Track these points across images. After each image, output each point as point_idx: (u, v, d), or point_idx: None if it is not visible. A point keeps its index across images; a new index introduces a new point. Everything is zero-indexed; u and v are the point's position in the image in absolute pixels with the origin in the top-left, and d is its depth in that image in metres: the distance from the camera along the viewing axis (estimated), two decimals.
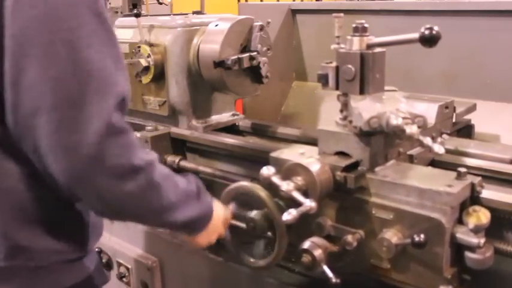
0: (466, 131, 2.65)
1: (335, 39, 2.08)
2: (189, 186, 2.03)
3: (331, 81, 2.08)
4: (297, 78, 4.26)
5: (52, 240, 1.89)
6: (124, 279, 3.40)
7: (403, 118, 1.89)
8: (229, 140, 3.01)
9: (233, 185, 2.34)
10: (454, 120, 2.40)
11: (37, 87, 1.60)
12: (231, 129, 3.30)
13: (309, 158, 2.09)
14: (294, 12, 4.17)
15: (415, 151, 2.25)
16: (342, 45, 2.06)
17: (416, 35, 1.81)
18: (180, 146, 3.20)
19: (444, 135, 2.28)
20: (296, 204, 1.97)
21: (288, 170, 2.07)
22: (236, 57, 2.98)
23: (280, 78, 4.09)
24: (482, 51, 3.27)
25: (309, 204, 1.94)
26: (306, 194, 2.00)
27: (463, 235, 1.91)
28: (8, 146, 1.74)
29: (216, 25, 3.05)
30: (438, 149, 1.85)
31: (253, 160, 2.78)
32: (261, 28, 3.07)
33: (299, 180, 2.02)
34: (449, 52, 3.22)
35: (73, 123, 1.60)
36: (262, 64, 3.09)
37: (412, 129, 1.87)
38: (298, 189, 2.00)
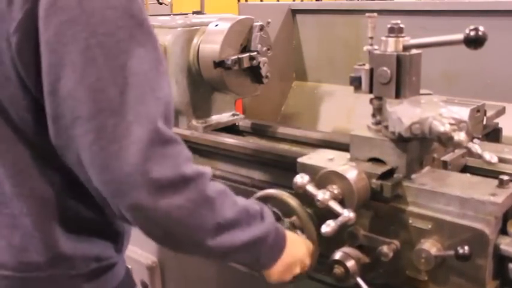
0: (494, 134, 2.45)
1: (368, 40, 1.86)
2: (251, 205, 1.75)
3: (365, 84, 1.84)
4: (297, 78, 4.09)
5: (92, 247, 1.74)
6: None
7: (450, 124, 1.65)
8: (229, 140, 2.86)
9: (260, 192, 2.07)
10: (484, 123, 2.19)
11: (75, 96, 1.42)
12: (231, 129, 3.16)
13: (343, 165, 1.83)
14: (294, 12, 4.00)
15: (448, 157, 2.01)
16: (376, 47, 1.83)
17: (460, 36, 1.60)
18: None
19: (475, 140, 2.06)
20: (330, 213, 1.73)
21: (322, 178, 1.81)
22: (236, 57, 2.85)
23: (280, 78, 3.93)
24: (482, 51, 3.03)
25: (347, 214, 1.69)
26: (342, 202, 1.76)
27: (507, 246, 1.69)
28: (48, 155, 1.58)
29: (216, 25, 2.92)
30: (490, 157, 1.62)
31: (253, 160, 2.67)
32: (261, 28, 2.94)
33: (335, 188, 1.77)
34: (450, 52, 3.03)
35: (113, 132, 1.40)
36: (262, 64, 2.95)
37: (460, 136, 1.62)
38: (335, 198, 1.75)
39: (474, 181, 1.82)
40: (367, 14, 1.88)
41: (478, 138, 2.05)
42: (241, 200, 1.71)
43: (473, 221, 1.68)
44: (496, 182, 1.74)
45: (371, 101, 1.86)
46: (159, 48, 1.54)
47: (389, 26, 1.79)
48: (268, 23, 2.98)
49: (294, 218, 1.97)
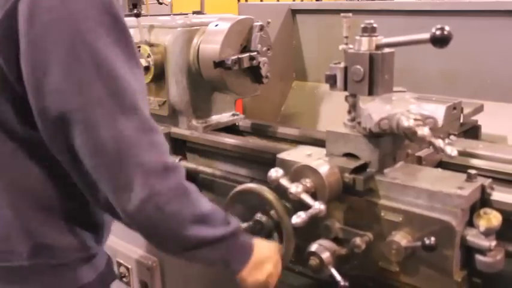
0: (473, 132, 2.61)
1: (343, 40, 2.03)
2: (218, 209, 1.95)
3: (340, 82, 2.02)
4: (297, 78, 4.23)
5: (73, 237, 1.91)
6: (124, 279, 3.39)
7: (415, 120, 1.83)
8: (229, 140, 2.98)
9: (240, 187, 2.28)
10: (461, 121, 2.35)
11: (62, 90, 1.60)
12: (231, 129, 3.28)
13: (317, 159, 2.03)
14: (294, 12, 4.15)
15: (423, 152, 2.20)
16: (351, 46, 2.01)
17: (427, 36, 1.76)
18: (180, 146, 3.17)
19: (452, 137, 2.23)
20: (304, 206, 1.91)
21: (296, 172, 2.02)
22: (236, 57, 2.95)
23: (280, 78, 4.07)
24: (482, 51, 3.24)
25: (318, 206, 1.88)
26: (314, 196, 1.95)
27: (474, 238, 1.86)
28: (29, 147, 1.77)
29: (216, 25, 3.03)
30: (451, 151, 1.79)
31: (253, 160, 2.78)
32: (261, 28, 3.05)
33: (308, 182, 1.97)
34: (449, 52, 3.17)
35: (101, 121, 1.61)
36: (262, 64, 3.06)
37: (423, 131, 1.81)
38: (307, 191, 1.94)
39: (444, 175, 2.00)
40: (342, 14, 2.05)
41: (455, 135, 2.22)
42: (212, 204, 1.91)
43: (441, 213, 1.86)
44: (465, 176, 1.92)
45: (346, 98, 2.05)
46: (133, 43, 1.75)
47: (362, 25, 1.96)
48: (268, 23, 3.09)
49: (272, 212, 2.16)
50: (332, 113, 3.57)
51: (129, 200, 1.67)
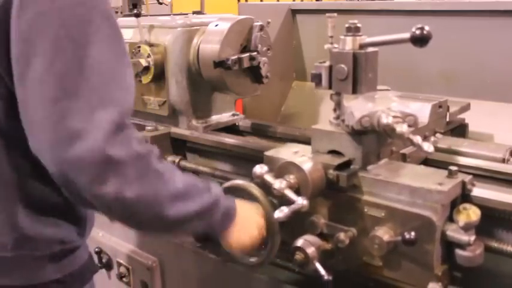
0: (460, 130, 2.71)
1: (328, 39, 2.15)
2: (198, 179, 2.06)
3: (324, 80, 2.14)
4: (297, 78, 4.32)
5: (55, 230, 2.00)
6: (124, 279, 3.44)
7: (394, 117, 1.95)
8: (229, 140, 3.07)
9: (227, 183, 2.40)
10: (447, 119, 2.46)
11: (43, 81, 1.68)
12: (231, 129, 3.36)
13: (301, 156, 2.15)
14: (294, 12, 4.24)
15: (407, 150, 2.31)
16: (336, 45, 2.12)
17: (407, 35, 1.86)
18: (180, 146, 3.26)
19: (438, 134, 2.34)
20: (289, 202, 2.03)
21: (281, 169, 2.14)
22: (236, 57, 3.04)
23: (280, 78, 4.16)
24: (482, 51, 3.32)
25: (300, 202, 2.00)
26: (298, 192, 2.07)
27: (453, 233, 1.97)
28: (15, 141, 1.84)
29: (216, 25, 3.11)
30: (427, 147, 1.90)
31: (253, 160, 2.74)
32: (261, 28, 3.13)
33: (292, 178, 2.09)
34: (449, 52, 3.29)
35: (78, 114, 1.67)
36: (262, 64, 3.15)
37: (402, 128, 1.93)
38: (291, 187, 2.07)
39: (426, 172, 2.12)
40: (327, 14, 2.15)
41: (441, 133, 2.34)
42: (189, 176, 2.03)
43: (422, 208, 1.98)
44: (446, 172, 2.04)
45: (331, 96, 2.17)
46: (123, 42, 1.85)
47: (347, 25, 2.08)
48: (268, 23, 3.18)
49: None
50: (332, 113, 3.63)
51: (104, 197, 1.75)
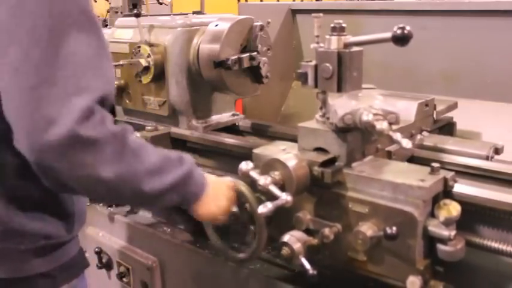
0: (447, 128, 2.81)
1: (314, 39, 2.27)
2: (170, 152, 2.18)
3: (310, 79, 2.26)
4: (297, 78, 4.28)
5: (42, 225, 2.11)
6: (124, 279, 3.51)
7: (374, 114, 2.07)
8: (229, 140, 3.16)
9: None
10: (435, 117, 2.56)
11: (19, 70, 1.75)
12: (231, 129, 3.45)
13: (287, 153, 2.27)
14: (294, 12, 4.34)
15: (393, 147, 2.42)
16: (321, 45, 2.24)
17: (389, 34, 1.97)
18: (180, 146, 3.35)
19: (424, 133, 2.44)
20: (274, 198, 2.14)
21: (266, 165, 2.26)
22: (236, 57, 3.13)
23: (280, 78, 4.24)
24: (482, 51, 3.41)
25: (284, 197, 2.11)
26: (283, 188, 2.18)
27: (435, 228, 2.07)
28: (3, 137, 1.90)
29: (216, 25, 3.20)
30: (406, 143, 2.01)
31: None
32: (261, 28, 3.22)
33: (276, 174, 2.21)
34: (449, 52, 3.37)
35: (54, 101, 1.74)
36: (262, 64, 3.24)
37: (382, 125, 2.04)
38: (275, 183, 2.18)
39: (409, 169, 2.23)
40: (313, 15, 2.30)
41: (428, 131, 2.44)
42: (161, 150, 2.14)
43: (404, 204, 2.08)
44: (429, 169, 2.14)
45: (317, 95, 2.29)
46: (103, 36, 1.94)
47: (332, 25, 2.21)
48: (268, 23, 3.27)
49: (246, 204, 2.41)
50: None
51: (85, 178, 1.85)
